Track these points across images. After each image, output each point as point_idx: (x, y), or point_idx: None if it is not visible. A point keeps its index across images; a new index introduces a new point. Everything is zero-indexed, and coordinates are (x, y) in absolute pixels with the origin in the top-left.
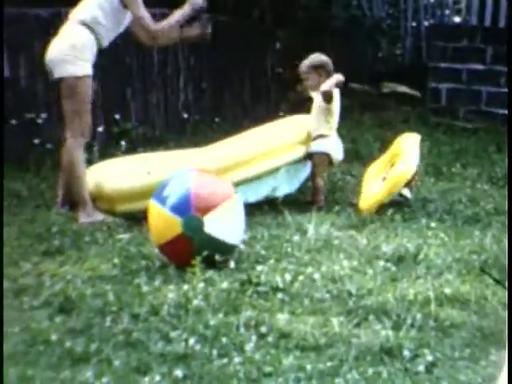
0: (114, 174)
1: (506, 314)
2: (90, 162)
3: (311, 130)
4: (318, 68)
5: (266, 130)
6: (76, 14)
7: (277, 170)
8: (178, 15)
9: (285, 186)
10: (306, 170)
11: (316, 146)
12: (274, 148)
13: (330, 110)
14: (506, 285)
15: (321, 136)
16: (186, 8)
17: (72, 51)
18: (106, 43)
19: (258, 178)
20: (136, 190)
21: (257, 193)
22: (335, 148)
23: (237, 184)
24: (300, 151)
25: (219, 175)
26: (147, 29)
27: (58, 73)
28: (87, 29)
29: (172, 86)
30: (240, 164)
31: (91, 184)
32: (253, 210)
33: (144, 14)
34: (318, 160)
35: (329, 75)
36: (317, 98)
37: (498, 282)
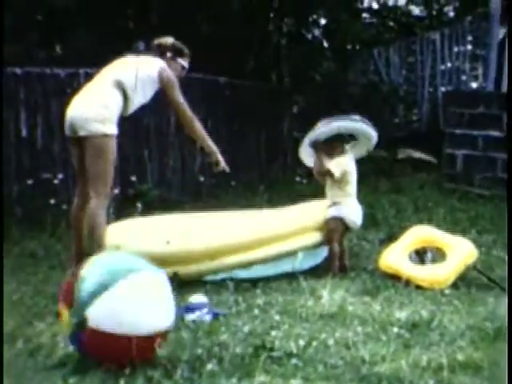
0: (132, 238)
1: None
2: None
3: (327, 197)
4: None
5: (283, 213)
6: (111, 75)
7: (295, 252)
8: (210, 144)
9: (303, 265)
10: (324, 251)
11: (331, 212)
12: (291, 231)
13: (343, 180)
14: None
15: (335, 203)
16: (215, 154)
17: (103, 110)
18: (130, 111)
19: (276, 258)
20: (154, 257)
21: (276, 269)
22: (351, 213)
23: (254, 262)
24: (317, 236)
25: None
26: (186, 114)
27: (85, 130)
28: (121, 92)
29: (189, 148)
30: (258, 244)
31: (109, 245)
32: None
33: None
34: (332, 225)
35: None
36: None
37: (494, 282)
